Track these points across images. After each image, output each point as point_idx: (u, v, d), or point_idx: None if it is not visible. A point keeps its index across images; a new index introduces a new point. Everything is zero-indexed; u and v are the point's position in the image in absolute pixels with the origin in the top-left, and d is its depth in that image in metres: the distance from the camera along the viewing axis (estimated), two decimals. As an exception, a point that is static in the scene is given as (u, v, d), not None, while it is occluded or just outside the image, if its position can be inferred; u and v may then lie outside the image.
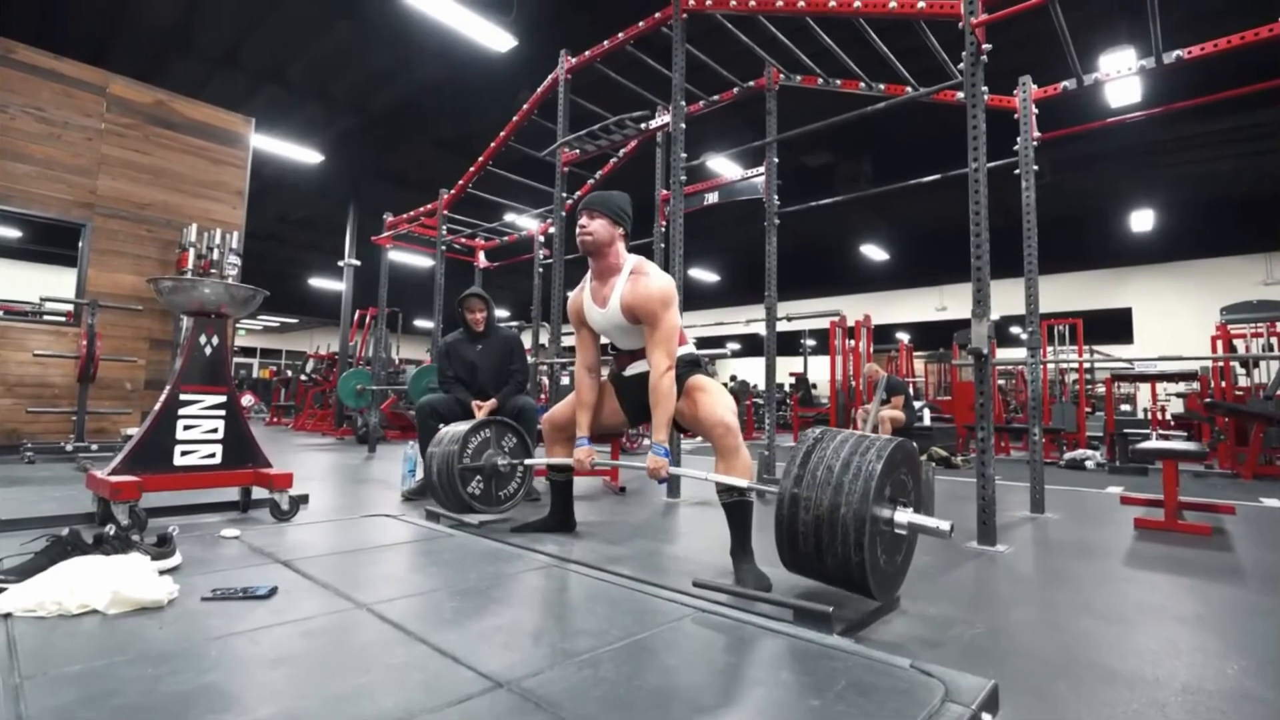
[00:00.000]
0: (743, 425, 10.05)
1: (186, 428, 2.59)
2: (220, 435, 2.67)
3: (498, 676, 1.20)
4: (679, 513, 3.35)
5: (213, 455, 2.64)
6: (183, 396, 2.59)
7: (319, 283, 19.57)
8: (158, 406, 2.57)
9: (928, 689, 1.14)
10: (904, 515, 1.65)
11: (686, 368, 2.30)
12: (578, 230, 2.29)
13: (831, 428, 1.77)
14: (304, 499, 3.02)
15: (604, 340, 2.50)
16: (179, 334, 5.42)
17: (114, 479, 2.32)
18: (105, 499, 2.36)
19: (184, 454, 2.57)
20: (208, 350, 2.68)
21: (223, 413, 2.68)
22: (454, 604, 1.66)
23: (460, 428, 2.85)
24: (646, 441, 7.07)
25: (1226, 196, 12.26)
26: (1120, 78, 3.72)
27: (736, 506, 2.05)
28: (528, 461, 2.94)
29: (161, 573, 1.71)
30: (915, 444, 1.82)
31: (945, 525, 1.60)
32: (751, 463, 2.11)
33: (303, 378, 11.60)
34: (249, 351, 26.66)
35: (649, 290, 2.21)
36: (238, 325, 21.53)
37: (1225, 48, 3.23)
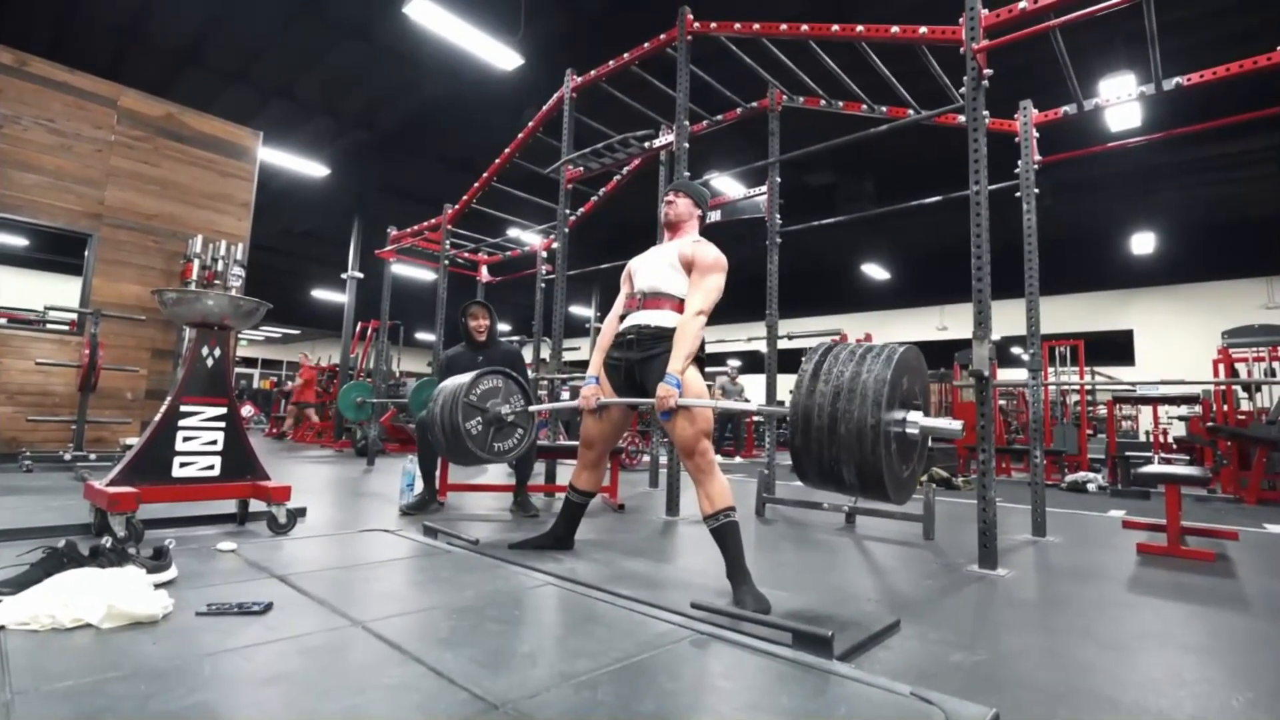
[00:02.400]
0: (741, 444, 10.03)
1: (186, 439, 2.58)
2: (219, 447, 2.66)
3: (494, 698, 1.18)
4: (678, 531, 3.33)
5: (211, 467, 2.64)
6: (183, 408, 2.59)
7: (322, 294, 19.65)
8: (158, 417, 2.56)
9: (928, 718, 1.13)
10: (915, 417, 1.65)
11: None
12: (664, 204, 2.52)
13: (838, 341, 1.78)
14: (301, 512, 3.01)
15: (637, 287, 2.44)
16: (182, 345, 5.43)
17: (112, 490, 2.31)
18: (102, 510, 2.35)
19: (183, 465, 2.57)
20: (209, 362, 2.68)
21: (222, 424, 2.68)
22: (450, 622, 1.65)
23: (468, 375, 2.78)
24: (645, 458, 7.05)
25: (1227, 220, 12.32)
26: (1120, 103, 3.76)
27: (722, 530, 2.03)
28: (532, 408, 2.85)
29: (157, 586, 1.70)
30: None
31: (957, 424, 1.63)
32: (728, 485, 2.08)
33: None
34: (250, 362, 26.68)
35: (710, 251, 2.34)
36: (239, 336, 21.57)
37: (1225, 75, 3.27)
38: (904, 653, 1.60)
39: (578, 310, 19.21)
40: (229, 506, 2.86)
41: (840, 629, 1.61)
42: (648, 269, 2.42)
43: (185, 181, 5.81)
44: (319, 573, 2.12)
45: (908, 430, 1.64)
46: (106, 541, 1.78)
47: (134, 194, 5.54)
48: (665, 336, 2.24)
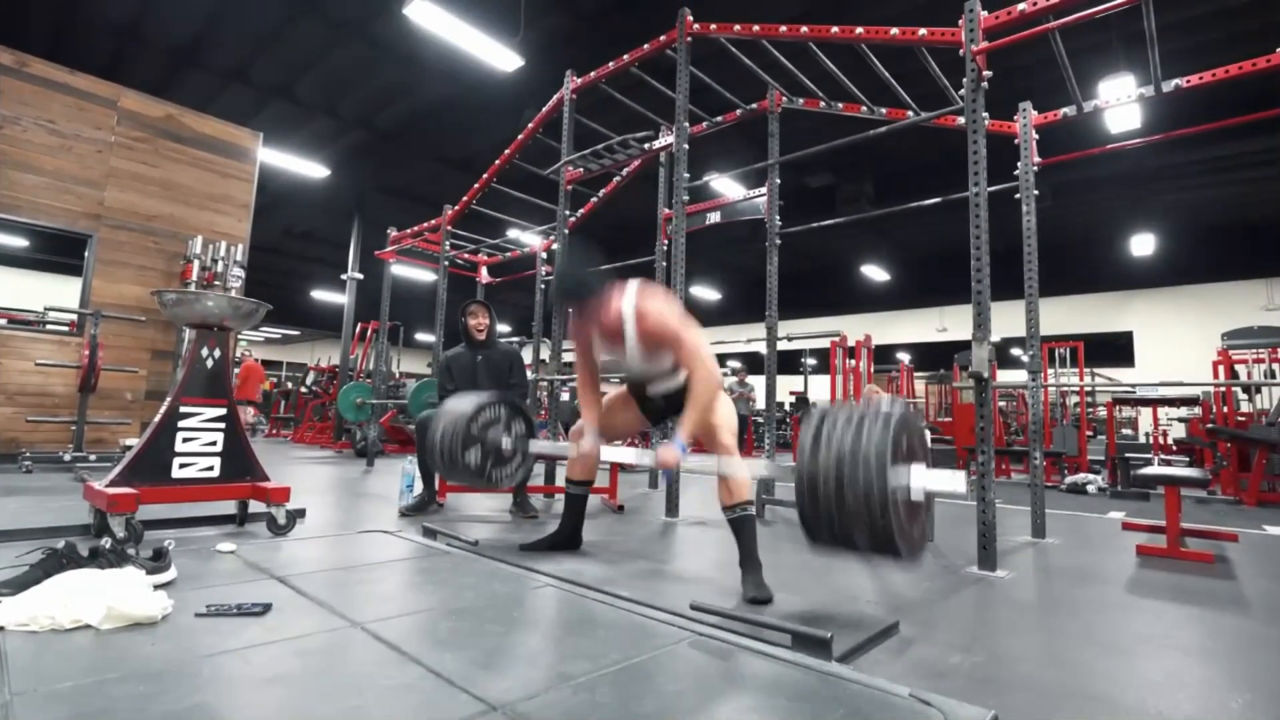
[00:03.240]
0: (743, 444, 10.04)
1: (186, 440, 2.59)
2: (219, 448, 2.66)
3: (493, 700, 1.19)
4: (677, 532, 3.33)
5: (211, 468, 2.64)
6: (183, 409, 2.59)
7: (321, 295, 19.65)
8: (158, 418, 2.57)
9: (926, 719, 1.13)
10: (919, 479, 1.68)
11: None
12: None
13: (832, 404, 1.79)
14: (301, 513, 3.01)
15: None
16: (181, 345, 5.43)
17: (111, 490, 2.31)
18: (102, 511, 2.35)
19: (182, 466, 2.57)
20: (209, 363, 2.68)
21: (222, 425, 2.68)
22: (450, 624, 1.65)
23: (472, 398, 2.76)
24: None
25: (1226, 222, 12.33)
26: (1120, 105, 3.76)
27: (739, 521, 2.18)
28: (532, 447, 2.81)
29: (156, 587, 1.70)
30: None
31: (960, 482, 1.65)
32: (750, 481, 2.17)
33: (303, 390, 11.60)
34: (250, 363, 26.65)
35: (661, 318, 2.22)
36: (239, 338, 21.59)
37: (1224, 77, 3.27)
38: (903, 654, 1.60)
39: (577, 311, 19.17)
40: (229, 508, 2.86)
41: (839, 630, 1.61)
42: (630, 365, 2.36)
43: (185, 182, 5.82)
44: (318, 574, 2.12)
45: (913, 487, 1.67)
46: (106, 542, 1.78)
47: (134, 195, 5.54)
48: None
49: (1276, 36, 3.12)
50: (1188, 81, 3.37)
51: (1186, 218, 12.40)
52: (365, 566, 2.29)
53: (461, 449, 2.64)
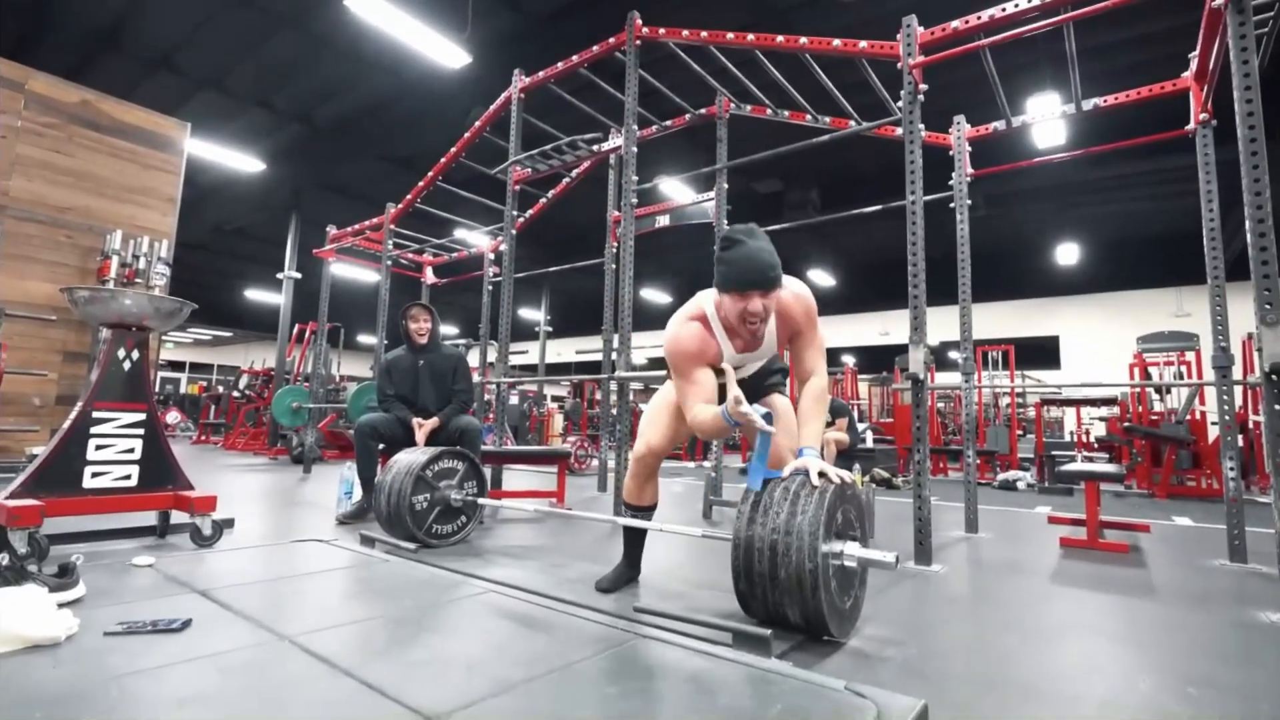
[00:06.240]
0: (691, 447, 10.11)
1: (99, 447, 2.42)
2: (137, 455, 2.50)
3: (427, 710, 1.15)
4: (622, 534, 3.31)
5: (128, 477, 2.47)
6: (96, 414, 2.42)
7: (256, 295, 18.81)
8: (66, 425, 2.39)
9: (861, 711, 1.15)
10: (853, 550, 1.68)
11: (782, 377, 2.28)
12: (750, 314, 1.82)
13: (773, 481, 1.75)
14: (229, 523, 2.86)
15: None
16: (97, 346, 5.09)
17: (12, 503, 2.13)
18: (2, 525, 2.17)
19: (95, 475, 2.40)
20: (126, 365, 2.52)
21: (140, 431, 2.52)
22: (385, 634, 1.59)
23: (428, 453, 2.78)
24: (594, 462, 7.01)
25: (1142, 234, 13.20)
26: (1045, 121, 3.97)
27: None
28: (482, 501, 2.91)
29: (61, 606, 1.58)
30: (858, 465, 1.87)
31: (890, 557, 1.64)
32: None
33: (235, 394, 11.05)
34: (177, 366, 25.30)
35: (807, 308, 1.98)
36: (165, 339, 20.39)
37: (1135, 99, 3.50)
38: (841, 649, 1.63)
39: (526, 313, 19.00)
40: (149, 519, 2.69)
41: (779, 628, 1.63)
42: (754, 360, 2.11)
43: (103, 173, 5.46)
44: (245, 586, 2.02)
45: (846, 563, 1.68)
46: (4, 559, 1.64)
47: (43, 185, 5.16)
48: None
49: (1183, 63, 3.35)
50: (1105, 101, 3.60)
51: (1107, 229, 13.22)
52: (297, 577, 2.19)
53: (411, 492, 2.62)
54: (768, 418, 1.69)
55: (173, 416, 14.07)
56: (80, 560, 1.82)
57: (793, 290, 1.96)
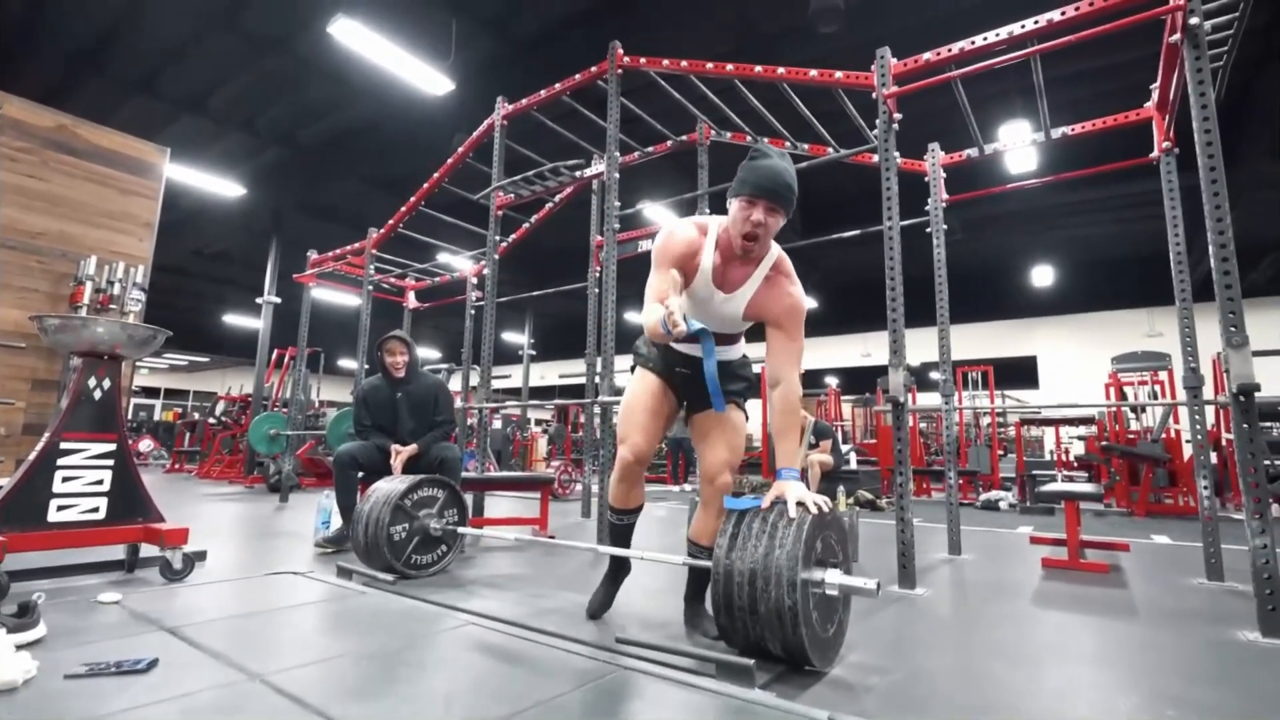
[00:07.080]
0: (675, 470, 10.08)
1: (66, 479, 2.35)
2: (106, 487, 2.43)
3: (401, 753, 1.11)
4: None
5: (96, 510, 2.40)
6: (64, 445, 2.36)
7: (235, 320, 18.57)
8: (32, 456, 2.32)
9: (847, 745, 1.13)
10: (834, 577, 1.66)
11: (752, 388, 2.16)
12: (752, 223, 1.85)
13: (751, 511, 1.73)
14: (200, 556, 2.79)
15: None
16: (68, 374, 4.97)
17: (-28, 538, 2.06)
18: (-40, 562, 2.10)
19: (61, 509, 2.33)
20: (97, 394, 2.46)
21: (110, 462, 2.45)
22: (360, 670, 1.55)
23: (407, 481, 2.74)
24: (578, 487, 6.95)
25: (1113, 256, 13.55)
26: (1017, 148, 4.08)
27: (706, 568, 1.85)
28: (461, 530, 2.85)
29: (19, 647, 1.52)
30: (842, 487, 1.86)
31: (871, 584, 1.61)
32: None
33: (211, 421, 10.84)
34: (152, 392, 24.80)
35: (797, 303, 1.93)
36: (139, 365, 20.01)
37: (1101, 128, 3.62)
38: (825, 677, 1.62)
39: (510, 337, 18.95)
40: (117, 552, 2.61)
41: (763, 658, 1.61)
42: (715, 313, 1.97)
43: (79, 198, 5.38)
44: (216, 622, 1.96)
45: (828, 591, 1.66)
46: (-40, 598, 1.58)
47: (15, 210, 5.07)
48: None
49: (1147, 93, 3.47)
50: (1073, 130, 3.71)
51: (1080, 252, 13.56)
52: (270, 612, 2.13)
53: (390, 520, 2.57)
54: (704, 333, 1.74)
55: (145, 445, 13.74)
56: (42, 598, 1.76)
57: (795, 279, 1.97)
